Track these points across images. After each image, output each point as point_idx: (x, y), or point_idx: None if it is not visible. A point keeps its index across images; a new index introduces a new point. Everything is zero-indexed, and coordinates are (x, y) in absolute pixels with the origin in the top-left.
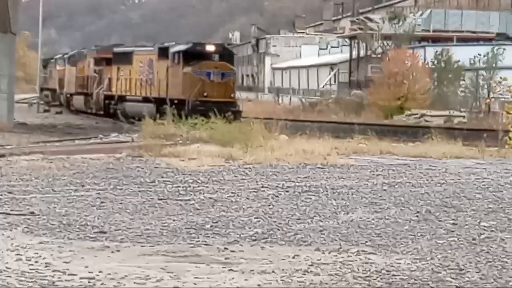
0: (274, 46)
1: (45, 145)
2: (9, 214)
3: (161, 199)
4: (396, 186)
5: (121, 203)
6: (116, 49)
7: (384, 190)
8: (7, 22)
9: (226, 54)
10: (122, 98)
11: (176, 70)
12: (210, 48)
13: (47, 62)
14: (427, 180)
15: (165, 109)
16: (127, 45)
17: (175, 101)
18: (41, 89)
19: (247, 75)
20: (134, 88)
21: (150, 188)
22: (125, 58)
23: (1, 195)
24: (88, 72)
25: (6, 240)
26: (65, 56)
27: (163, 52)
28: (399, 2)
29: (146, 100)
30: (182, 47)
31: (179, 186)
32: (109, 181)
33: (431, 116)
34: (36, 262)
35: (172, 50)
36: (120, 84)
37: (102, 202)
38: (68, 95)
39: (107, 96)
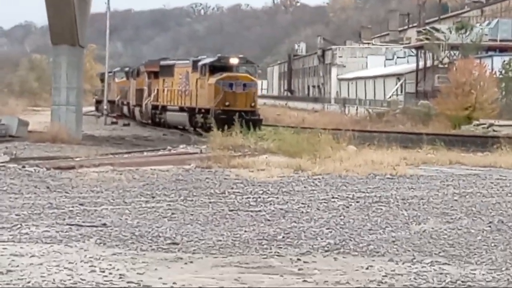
0: (340, 57)
1: (114, 157)
2: (82, 225)
3: (232, 210)
4: (467, 196)
5: (192, 214)
6: (162, 63)
7: (455, 200)
8: (75, 36)
9: (249, 66)
10: (164, 108)
11: (203, 82)
12: (234, 61)
13: (104, 76)
14: (498, 190)
15: (196, 118)
16: (173, 59)
17: (203, 110)
18: (98, 101)
19: (313, 86)
20: (174, 98)
21: (221, 199)
22: (169, 71)
23: (73, 207)
24: (142, 85)
25: (79, 251)
26: (125, 69)
27: (195, 65)
28: (466, 12)
29: (181, 109)
30: (208, 60)
31: (249, 197)
32: (179, 193)
33: (500, 126)
34: (110, 273)
35: (200, 63)
36: (164, 95)
37: (173, 213)
38: (132, 107)
39: (154, 106)
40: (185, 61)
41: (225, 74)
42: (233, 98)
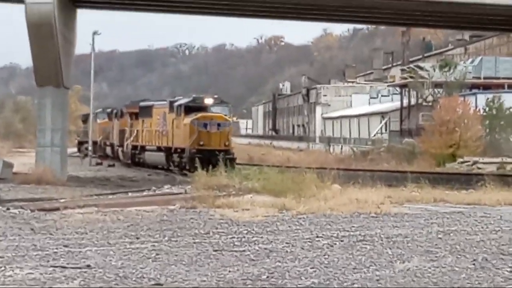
0: (325, 95)
1: (99, 198)
2: (66, 267)
3: (216, 250)
4: (451, 234)
5: (176, 255)
6: (141, 104)
7: (439, 238)
8: (60, 77)
9: (223, 106)
10: (143, 148)
11: (179, 122)
12: (208, 101)
13: (86, 117)
14: (482, 227)
15: (173, 157)
16: (152, 100)
17: (179, 150)
18: (80, 142)
19: (298, 125)
20: (152, 138)
21: (205, 239)
22: (147, 111)
23: (57, 248)
24: (125, 125)
25: None
26: (107, 110)
27: (171, 106)
28: (450, 50)
29: (159, 149)
30: (183, 101)
31: (234, 237)
32: (164, 233)
33: (484, 163)
34: None
35: (176, 103)
36: (143, 135)
37: (157, 254)
38: (116, 148)
39: (134, 147)
40: (162, 102)
41: (199, 114)
42: (208, 138)
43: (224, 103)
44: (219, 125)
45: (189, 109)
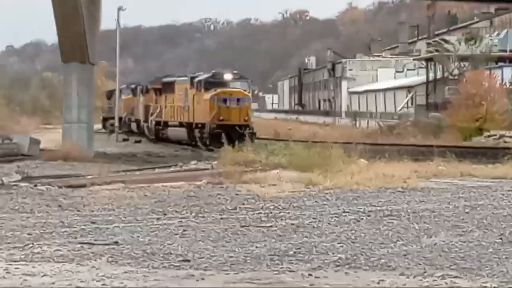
0: (350, 70)
1: (126, 174)
2: (93, 244)
3: (243, 226)
4: (478, 209)
5: (203, 231)
6: (164, 80)
7: (466, 212)
8: (86, 53)
9: (243, 82)
10: (166, 124)
11: (199, 97)
12: (228, 76)
13: (111, 93)
14: (509, 201)
15: (194, 132)
16: (174, 76)
17: (199, 125)
18: (105, 119)
19: (324, 100)
20: (174, 114)
21: (232, 215)
22: (170, 87)
23: (85, 225)
24: (150, 101)
25: (91, 270)
26: (131, 86)
27: (192, 82)
28: (475, 23)
29: (181, 125)
30: (203, 77)
31: (261, 213)
32: (191, 209)
33: (510, 137)
34: None
35: (196, 79)
36: (166, 111)
37: (184, 230)
38: (143, 124)
39: (157, 122)
40: (184, 77)
41: (219, 90)
42: (227, 113)
43: (243, 78)
44: (238, 100)
45: (209, 84)
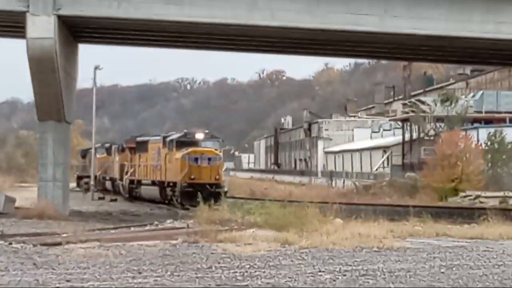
0: (327, 130)
1: (101, 232)
2: None
3: (218, 285)
4: (454, 269)
5: None
6: (138, 139)
7: (442, 272)
8: (62, 112)
9: (214, 141)
10: (139, 182)
11: (171, 156)
12: (199, 136)
13: (85, 152)
14: (485, 261)
15: (166, 191)
16: (148, 135)
17: (171, 184)
18: (79, 177)
19: (300, 159)
20: (148, 173)
21: (207, 274)
22: (143, 146)
23: (59, 283)
24: (125, 160)
25: None
26: (105, 145)
27: (164, 141)
28: (451, 84)
29: (153, 183)
30: (175, 136)
31: (236, 272)
32: (166, 268)
33: (486, 197)
34: None
35: (168, 138)
36: (139, 170)
37: None
38: (118, 182)
39: (131, 181)
40: (157, 137)
41: (190, 149)
42: (198, 172)
43: (214, 137)
44: (209, 159)
45: (180, 144)
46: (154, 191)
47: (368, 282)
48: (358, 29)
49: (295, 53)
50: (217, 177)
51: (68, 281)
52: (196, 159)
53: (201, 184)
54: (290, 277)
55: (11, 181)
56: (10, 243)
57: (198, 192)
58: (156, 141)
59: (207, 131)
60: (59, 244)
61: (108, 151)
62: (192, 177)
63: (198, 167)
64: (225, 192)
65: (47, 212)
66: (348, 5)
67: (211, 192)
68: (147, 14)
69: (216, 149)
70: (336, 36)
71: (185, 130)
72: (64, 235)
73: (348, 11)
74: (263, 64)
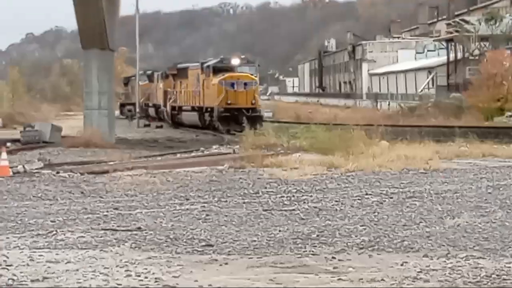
0: (371, 52)
1: (148, 160)
2: (116, 230)
3: (266, 210)
4: (501, 189)
5: (226, 216)
6: (179, 66)
7: (489, 193)
8: (105, 39)
9: (250, 66)
10: (180, 108)
11: (208, 82)
12: (235, 61)
13: (128, 79)
14: None
15: (204, 116)
16: (191, 62)
17: (209, 109)
18: (122, 105)
19: (345, 82)
20: (188, 99)
21: (254, 199)
22: (184, 73)
23: (108, 211)
24: (169, 87)
25: (115, 256)
26: (147, 73)
27: (202, 67)
28: (495, 2)
29: (193, 109)
30: (212, 62)
31: (283, 196)
32: (213, 194)
33: None
34: (145, 277)
35: (205, 64)
36: (180, 96)
37: (207, 215)
38: (163, 109)
39: (173, 107)
40: (196, 63)
41: (227, 74)
42: (235, 97)
43: (251, 63)
44: (245, 84)
45: (217, 69)
46: (194, 117)
47: (415, 204)
48: None
49: None
50: (253, 101)
51: (115, 209)
52: (232, 84)
53: (238, 109)
54: (336, 201)
55: (57, 110)
56: (58, 172)
57: (235, 117)
58: (195, 67)
59: (243, 56)
60: (106, 172)
61: (150, 78)
62: (229, 102)
63: (234, 92)
64: (261, 116)
65: (93, 140)
66: None
67: (248, 117)
68: None
69: (252, 74)
70: None
71: (222, 56)
72: (111, 163)
73: None
74: None
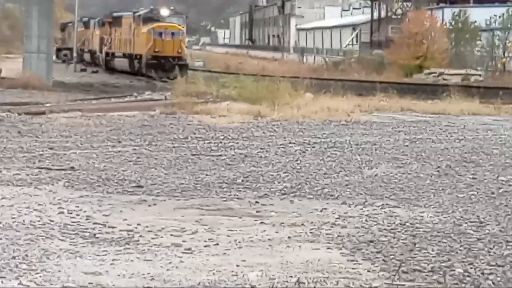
0: (299, 7)
1: (83, 103)
2: (51, 169)
3: (194, 155)
4: (417, 142)
5: (156, 159)
6: (114, 14)
7: (406, 146)
8: None
9: (178, 17)
10: (113, 55)
11: (139, 31)
12: (164, 12)
13: (65, 25)
14: (447, 136)
15: (134, 63)
16: (124, 11)
17: (138, 56)
18: (58, 49)
19: (273, 36)
20: (120, 46)
21: (183, 144)
22: (118, 22)
23: (43, 151)
24: (105, 34)
25: (48, 194)
26: (83, 20)
27: (134, 16)
28: None
29: (124, 56)
30: (142, 12)
31: (211, 142)
32: (144, 137)
33: (449, 74)
34: (77, 215)
35: (136, 14)
36: (114, 43)
37: (138, 158)
38: (98, 54)
39: (107, 54)
40: (129, 13)
41: (155, 24)
42: (162, 45)
43: (179, 14)
44: (173, 34)
45: (147, 19)
46: (125, 63)
47: (336, 154)
48: None
49: None
50: (180, 50)
51: (51, 148)
52: (160, 34)
53: (164, 57)
54: (262, 148)
55: None
56: None
57: (162, 64)
58: (128, 16)
59: (172, 7)
60: (43, 113)
61: (86, 24)
62: (156, 50)
63: (162, 41)
64: (187, 65)
65: (32, 82)
66: None
67: (174, 65)
68: None
69: (179, 25)
70: None
71: (152, 7)
72: (48, 104)
73: None
74: None
